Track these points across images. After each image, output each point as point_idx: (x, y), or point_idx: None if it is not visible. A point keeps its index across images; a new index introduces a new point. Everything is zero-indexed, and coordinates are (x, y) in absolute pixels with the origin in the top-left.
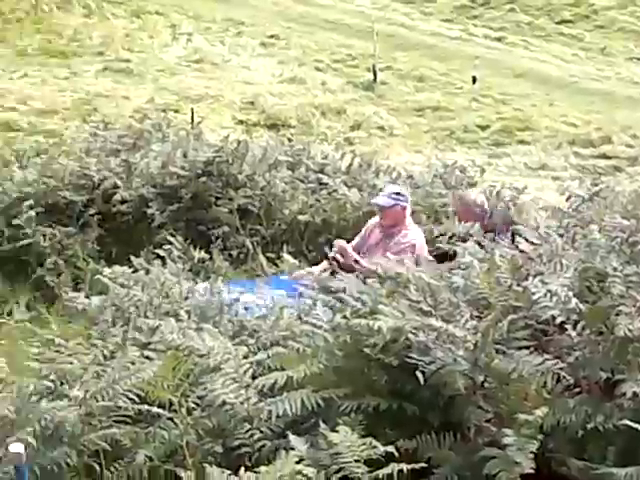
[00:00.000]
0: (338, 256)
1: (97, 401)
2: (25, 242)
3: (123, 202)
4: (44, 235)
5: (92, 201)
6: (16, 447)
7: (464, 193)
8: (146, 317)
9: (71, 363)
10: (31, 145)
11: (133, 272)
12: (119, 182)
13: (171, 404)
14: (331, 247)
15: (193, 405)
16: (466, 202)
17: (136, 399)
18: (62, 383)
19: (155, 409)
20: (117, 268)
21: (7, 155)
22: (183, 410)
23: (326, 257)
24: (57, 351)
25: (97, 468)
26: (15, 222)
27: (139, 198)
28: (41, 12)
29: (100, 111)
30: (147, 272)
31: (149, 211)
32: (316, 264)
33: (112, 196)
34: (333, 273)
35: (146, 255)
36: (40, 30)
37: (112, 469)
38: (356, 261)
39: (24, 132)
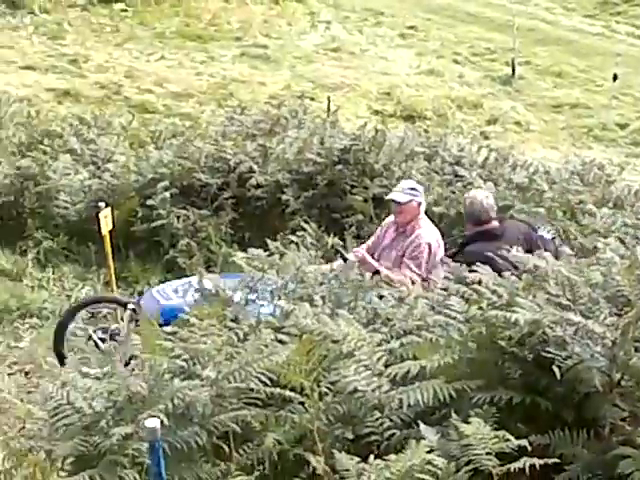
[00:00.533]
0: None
1: (229, 382)
2: (159, 223)
3: (258, 187)
4: (178, 217)
5: (227, 184)
6: (152, 422)
7: (472, 192)
8: (279, 300)
9: (205, 343)
10: (167, 127)
11: (268, 256)
12: (255, 166)
13: (302, 389)
14: (344, 247)
15: (325, 390)
16: (471, 202)
17: (268, 382)
18: (194, 363)
19: (287, 393)
20: (252, 250)
21: (143, 136)
22: (315, 395)
23: (341, 256)
24: (191, 331)
25: (226, 449)
26: (149, 203)
27: (274, 183)
28: None
29: (236, 96)
30: (281, 256)
31: (284, 197)
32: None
33: (247, 180)
34: None
35: (281, 240)
36: (179, 13)
37: (241, 451)
38: (377, 271)
39: (160, 114)
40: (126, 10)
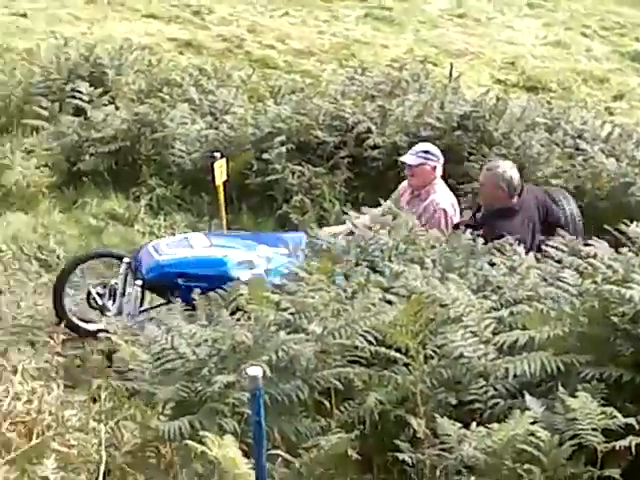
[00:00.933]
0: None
1: (334, 338)
2: (273, 177)
3: (375, 147)
4: (293, 172)
5: (344, 143)
6: (254, 370)
7: (493, 164)
8: (390, 261)
9: (312, 298)
10: (287, 82)
11: (381, 216)
12: (373, 127)
13: (408, 350)
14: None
15: (430, 353)
16: (492, 174)
17: (373, 341)
18: (301, 317)
19: (392, 353)
20: (366, 209)
21: (262, 90)
22: (420, 357)
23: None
24: (299, 285)
25: (327, 406)
26: (265, 156)
27: (391, 145)
28: None
29: (357, 57)
30: (394, 217)
31: (400, 159)
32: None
33: (364, 140)
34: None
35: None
36: None
37: (342, 408)
38: None
39: (280, 70)
40: None
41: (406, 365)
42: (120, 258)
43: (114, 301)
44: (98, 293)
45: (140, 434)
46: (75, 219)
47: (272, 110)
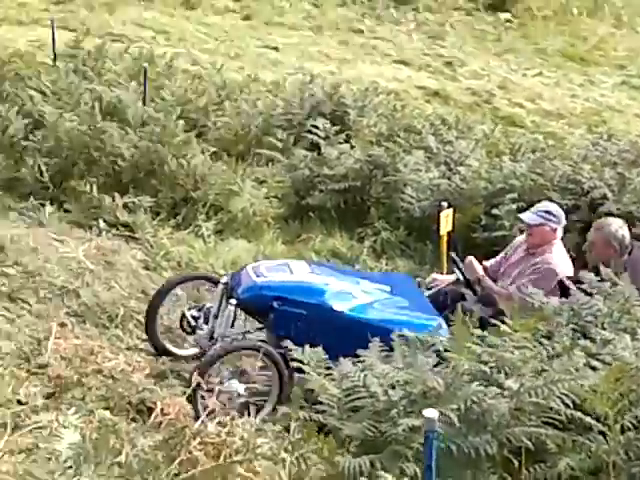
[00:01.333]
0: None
1: (530, 397)
2: (500, 234)
3: (609, 215)
4: (521, 231)
5: (577, 207)
6: (430, 412)
7: (604, 222)
8: (602, 328)
9: (512, 353)
10: (528, 141)
11: (599, 281)
12: (609, 194)
13: (605, 418)
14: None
15: (628, 425)
16: (604, 233)
17: (570, 404)
18: (499, 371)
19: (589, 419)
20: (584, 273)
21: (502, 146)
22: (617, 427)
23: (456, 265)
24: (503, 340)
25: (516, 465)
26: (494, 212)
27: (626, 214)
28: (570, 15)
29: (608, 124)
30: (614, 284)
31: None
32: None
33: (598, 207)
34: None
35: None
36: (565, 32)
37: (531, 470)
38: (479, 279)
39: (526, 129)
40: (511, 21)
41: (602, 433)
42: (216, 282)
43: (207, 323)
44: (193, 316)
45: (325, 468)
46: (297, 252)
47: (507, 166)
